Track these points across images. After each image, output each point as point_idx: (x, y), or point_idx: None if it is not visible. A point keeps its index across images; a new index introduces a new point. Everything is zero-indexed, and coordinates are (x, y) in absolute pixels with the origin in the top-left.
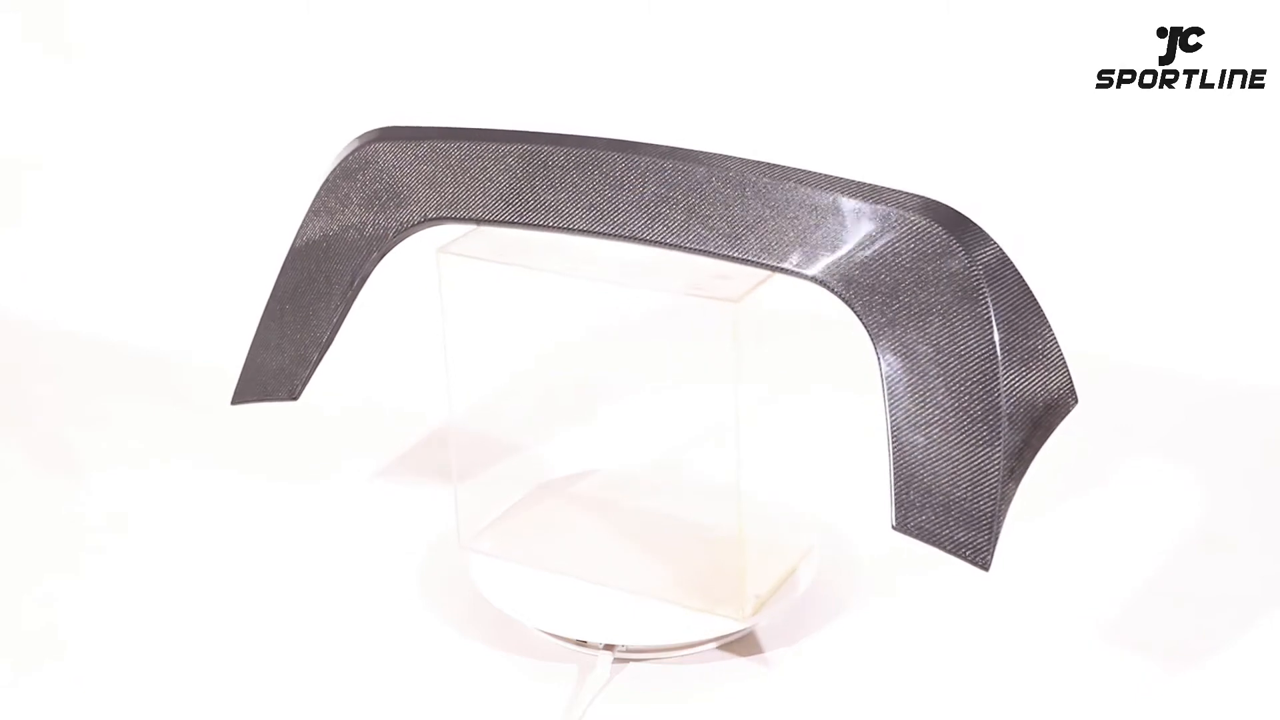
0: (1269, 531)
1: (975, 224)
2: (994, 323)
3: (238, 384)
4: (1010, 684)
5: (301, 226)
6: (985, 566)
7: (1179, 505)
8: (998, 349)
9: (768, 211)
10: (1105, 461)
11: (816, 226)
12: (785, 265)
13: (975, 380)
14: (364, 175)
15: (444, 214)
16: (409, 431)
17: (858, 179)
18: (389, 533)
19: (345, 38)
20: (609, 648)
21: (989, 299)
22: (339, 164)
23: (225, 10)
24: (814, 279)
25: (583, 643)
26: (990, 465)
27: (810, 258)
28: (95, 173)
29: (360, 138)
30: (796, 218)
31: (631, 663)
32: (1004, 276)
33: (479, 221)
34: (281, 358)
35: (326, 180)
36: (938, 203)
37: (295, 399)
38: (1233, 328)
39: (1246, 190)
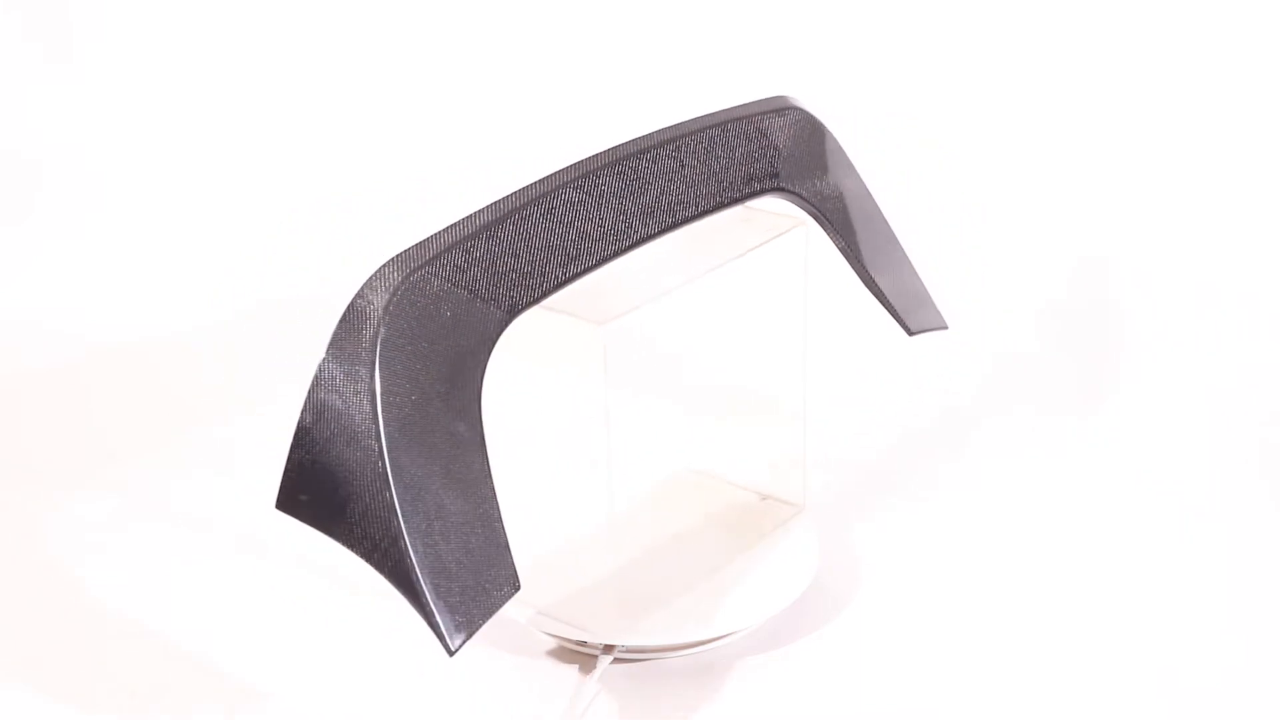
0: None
1: (813, 110)
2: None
3: (450, 629)
4: (1010, 684)
5: (382, 411)
6: (946, 326)
7: (1179, 507)
8: (866, 186)
9: (702, 165)
10: (1103, 463)
11: (742, 156)
12: (747, 191)
13: (872, 210)
14: (423, 314)
15: (528, 301)
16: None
17: (725, 107)
18: None
19: (350, 35)
20: (609, 648)
21: (845, 153)
22: (383, 329)
23: (226, 9)
24: (778, 190)
25: (583, 643)
26: (908, 262)
27: (760, 177)
28: (96, 174)
29: (373, 289)
30: (724, 157)
31: (631, 663)
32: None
33: (551, 292)
34: (472, 559)
35: (380, 352)
36: (788, 99)
37: (519, 588)
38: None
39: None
